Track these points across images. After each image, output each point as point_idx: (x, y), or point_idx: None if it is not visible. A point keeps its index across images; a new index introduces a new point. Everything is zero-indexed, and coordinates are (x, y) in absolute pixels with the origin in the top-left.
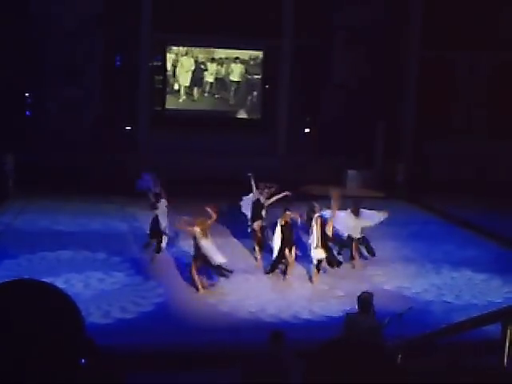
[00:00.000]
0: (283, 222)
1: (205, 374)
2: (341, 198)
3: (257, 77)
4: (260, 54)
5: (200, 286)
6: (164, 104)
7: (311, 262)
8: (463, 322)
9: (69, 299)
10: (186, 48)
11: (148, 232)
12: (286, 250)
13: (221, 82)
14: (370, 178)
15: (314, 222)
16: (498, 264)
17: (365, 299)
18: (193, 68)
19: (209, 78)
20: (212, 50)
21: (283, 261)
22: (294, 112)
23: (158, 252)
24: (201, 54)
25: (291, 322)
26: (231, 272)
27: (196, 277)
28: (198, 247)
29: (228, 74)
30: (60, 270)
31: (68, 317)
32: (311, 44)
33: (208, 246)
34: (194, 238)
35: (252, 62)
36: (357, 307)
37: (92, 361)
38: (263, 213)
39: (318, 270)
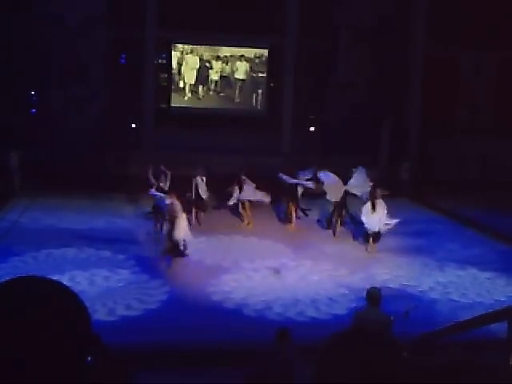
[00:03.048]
0: None
1: (210, 373)
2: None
3: (262, 75)
4: (265, 52)
5: None
6: (169, 102)
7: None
8: (469, 320)
9: (75, 296)
10: (191, 46)
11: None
12: None
13: (226, 80)
14: (376, 176)
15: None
16: (503, 262)
17: (372, 294)
18: (198, 66)
19: (214, 76)
20: (217, 48)
21: None
22: (299, 110)
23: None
24: (206, 52)
25: (297, 319)
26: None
27: None
28: None
29: (233, 72)
30: (65, 268)
31: (75, 314)
32: (316, 42)
33: None
34: None
35: (257, 60)
36: (366, 302)
37: (98, 359)
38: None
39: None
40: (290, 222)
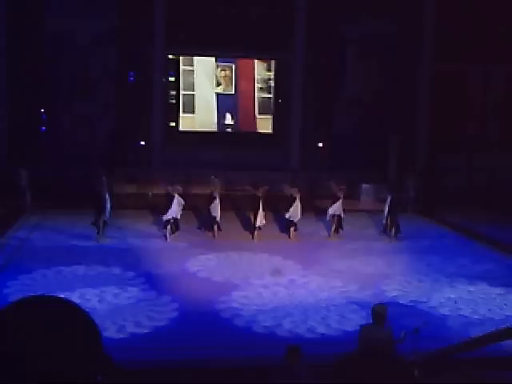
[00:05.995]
0: None
1: None
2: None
3: (270, 91)
4: (273, 66)
5: None
6: (178, 119)
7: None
8: (480, 336)
9: (86, 315)
10: (199, 64)
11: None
12: None
13: (233, 96)
14: (384, 191)
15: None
16: None
17: (378, 311)
18: (206, 83)
19: (221, 93)
20: (225, 65)
21: None
22: (307, 126)
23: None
24: (214, 69)
25: (306, 336)
26: None
27: None
28: None
29: (240, 88)
30: (75, 285)
31: (85, 333)
32: (324, 58)
33: None
34: None
35: (265, 77)
36: (371, 319)
37: (109, 377)
38: None
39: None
40: (289, 236)
